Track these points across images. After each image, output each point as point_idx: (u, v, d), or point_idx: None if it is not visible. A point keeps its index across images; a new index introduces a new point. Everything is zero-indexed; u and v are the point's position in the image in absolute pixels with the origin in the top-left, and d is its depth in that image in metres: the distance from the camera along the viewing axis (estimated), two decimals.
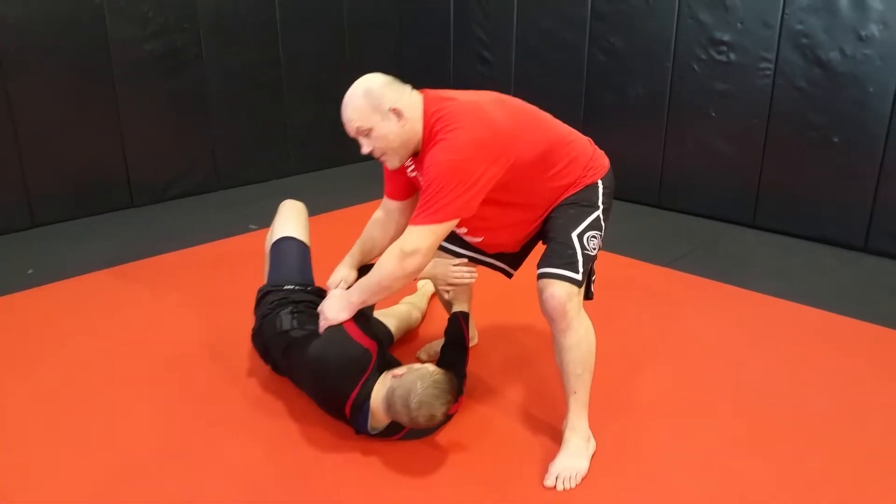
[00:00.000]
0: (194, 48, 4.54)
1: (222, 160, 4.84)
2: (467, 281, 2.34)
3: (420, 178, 2.03)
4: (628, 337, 2.82)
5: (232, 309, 3.03)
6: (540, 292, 2.02)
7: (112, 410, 2.36)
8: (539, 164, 2.05)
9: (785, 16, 3.72)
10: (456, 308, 2.50)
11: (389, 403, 2.00)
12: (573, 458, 2.04)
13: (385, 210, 2.31)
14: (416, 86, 2.05)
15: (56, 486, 1.99)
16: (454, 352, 2.40)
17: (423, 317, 2.93)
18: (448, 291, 2.46)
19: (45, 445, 2.16)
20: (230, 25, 4.67)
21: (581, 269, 2.01)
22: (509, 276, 2.47)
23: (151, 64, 4.38)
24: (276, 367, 2.51)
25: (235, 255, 3.72)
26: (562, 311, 1.97)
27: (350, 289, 2.17)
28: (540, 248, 2.18)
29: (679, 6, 4.07)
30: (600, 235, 2.12)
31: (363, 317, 2.18)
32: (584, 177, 2.14)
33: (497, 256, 2.40)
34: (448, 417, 2.16)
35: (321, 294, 2.49)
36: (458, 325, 2.45)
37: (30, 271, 3.48)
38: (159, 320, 2.99)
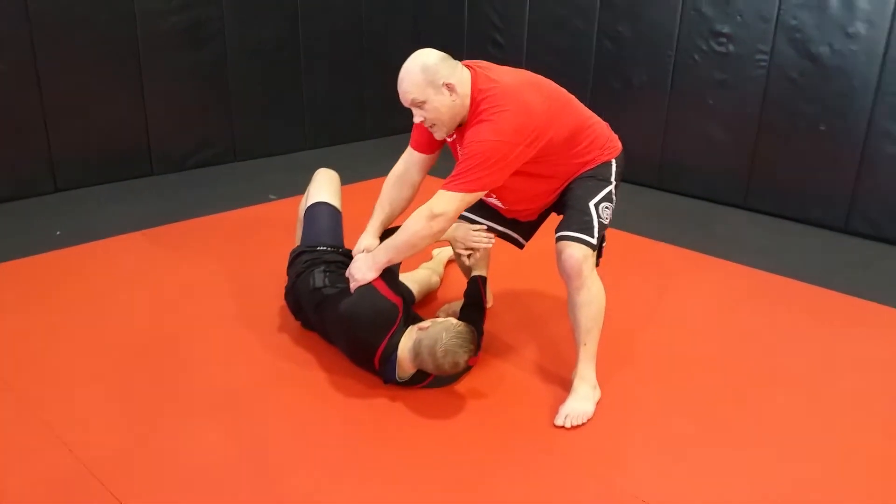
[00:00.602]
0: (217, 22, 4.69)
1: (240, 133, 5.00)
2: (485, 245, 2.54)
3: (459, 149, 2.26)
4: (630, 302, 3.09)
5: (260, 271, 3.24)
6: (558, 253, 2.27)
7: (164, 359, 2.58)
8: (567, 143, 2.28)
9: (780, 11, 3.96)
10: (475, 273, 2.71)
11: (416, 353, 2.22)
12: (581, 402, 2.30)
13: (405, 164, 2.48)
14: None
15: (108, 430, 2.20)
16: (473, 311, 2.61)
17: (441, 281, 3.18)
18: (468, 257, 2.64)
19: (91, 398, 2.34)
20: (252, 2, 4.81)
21: (596, 234, 2.27)
22: (521, 246, 2.70)
23: (176, 36, 4.53)
24: (307, 323, 2.70)
25: (259, 222, 3.92)
26: (577, 270, 2.23)
27: (376, 250, 2.37)
28: (549, 226, 2.43)
29: None
30: (612, 207, 2.37)
31: (391, 274, 2.38)
32: (601, 155, 2.38)
33: (512, 225, 2.62)
34: (468, 367, 2.42)
35: (351, 256, 2.75)
36: (476, 288, 2.67)
37: (58, 233, 3.63)
38: (192, 280, 3.17)
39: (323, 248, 2.72)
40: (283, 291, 2.80)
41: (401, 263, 2.45)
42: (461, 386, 2.44)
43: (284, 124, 5.25)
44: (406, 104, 2.24)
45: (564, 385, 2.42)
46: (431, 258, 3.27)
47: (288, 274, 2.76)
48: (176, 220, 3.87)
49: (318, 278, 2.56)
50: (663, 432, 2.25)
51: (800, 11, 3.90)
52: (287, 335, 2.74)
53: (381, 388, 2.40)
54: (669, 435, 2.24)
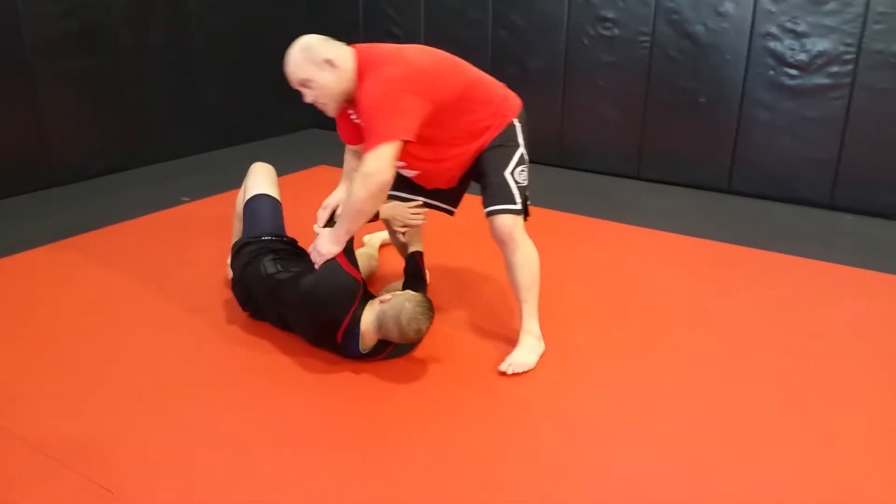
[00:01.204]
0: (109, 26, 4.59)
1: (140, 137, 4.92)
2: (420, 221, 2.73)
3: (360, 120, 2.39)
4: (546, 267, 3.35)
5: (191, 270, 3.25)
6: (491, 225, 2.49)
7: (110, 358, 2.60)
8: (459, 102, 2.41)
9: None
10: (412, 249, 2.88)
11: (381, 324, 2.37)
12: (525, 353, 2.52)
13: (352, 154, 2.68)
14: None
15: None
16: (415, 285, 2.77)
17: (378, 264, 3.33)
18: (403, 234, 2.80)
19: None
20: (145, 3, 4.75)
21: (518, 200, 2.48)
22: (451, 213, 2.85)
23: (66, 42, 4.39)
24: (257, 312, 2.77)
25: (178, 224, 3.88)
26: (510, 236, 2.46)
27: (334, 227, 2.47)
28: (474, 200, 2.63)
29: None
30: (526, 167, 2.55)
31: (350, 252, 2.51)
32: (499, 115, 2.52)
33: (436, 195, 2.77)
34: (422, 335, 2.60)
35: (294, 244, 2.85)
36: (415, 262, 2.84)
37: None
38: (121, 286, 3.11)
39: (268, 238, 2.79)
40: (221, 286, 2.85)
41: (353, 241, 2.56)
42: (418, 353, 2.60)
43: (183, 126, 5.19)
44: (295, 87, 2.40)
45: (507, 342, 2.64)
46: (363, 244, 3.40)
47: (232, 267, 2.82)
48: (87, 230, 3.74)
49: (269, 266, 2.64)
50: (608, 374, 2.51)
51: None
52: (237, 325, 2.79)
53: (343, 363, 2.51)
54: (614, 376, 2.50)
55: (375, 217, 2.60)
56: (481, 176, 2.57)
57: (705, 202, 4.36)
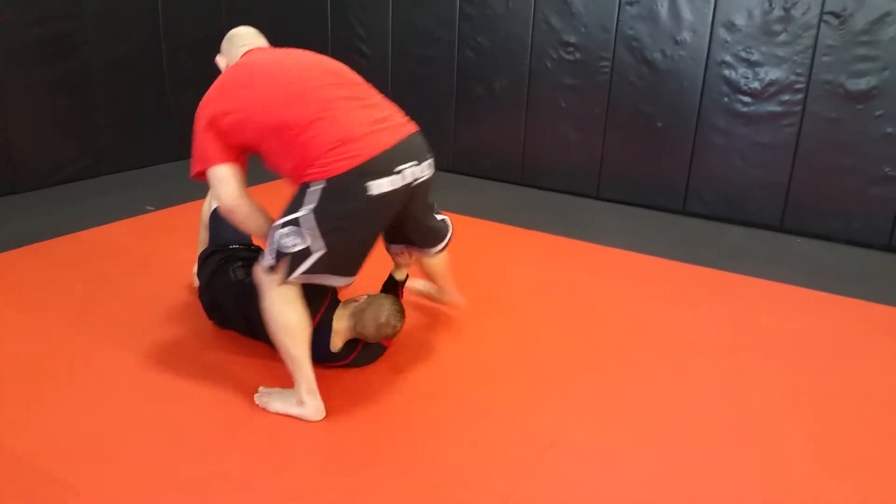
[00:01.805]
0: (78, 35, 4.62)
1: (107, 146, 4.93)
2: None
3: None
4: (507, 282, 3.46)
5: (156, 278, 3.27)
6: None
7: (79, 365, 2.63)
8: (274, 132, 2.19)
9: (619, 22, 4.51)
10: (397, 276, 2.86)
11: (357, 321, 2.44)
12: (280, 399, 2.34)
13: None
14: None
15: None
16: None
17: None
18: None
19: None
20: (113, 13, 4.79)
21: (270, 259, 2.19)
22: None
23: (35, 49, 4.41)
24: (224, 321, 2.79)
25: (142, 233, 3.90)
26: (259, 285, 2.27)
27: None
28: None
29: (534, 12, 4.76)
30: (302, 234, 2.14)
31: None
32: (306, 168, 2.14)
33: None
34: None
35: (261, 252, 2.89)
36: (394, 287, 2.84)
37: None
38: (84, 294, 3.13)
39: (235, 247, 2.84)
40: (186, 295, 2.87)
41: None
42: (384, 361, 2.66)
43: (150, 136, 5.21)
44: None
45: (473, 351, 2.74)
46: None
47: (199, 275, 2.85)
48: (52, 237, 3.74)
49: (238, 272, 2.68)
50: (566, 386, 2.59)
51: (635, 22, 4.46)
52: (204, 334, 2.82)
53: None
54: (571, 388, 2.59)
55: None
56: None
57: (661, 222, 4.49)
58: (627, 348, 2.87)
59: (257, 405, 2.35)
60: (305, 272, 2.18)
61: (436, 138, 5.28)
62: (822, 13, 3.97)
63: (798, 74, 4.10)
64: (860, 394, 2.59)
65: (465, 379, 2.60)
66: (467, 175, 5.29)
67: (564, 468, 2.13)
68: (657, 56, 4.45)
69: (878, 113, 3.96)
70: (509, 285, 3.41)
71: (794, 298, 3.39)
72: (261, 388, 2.40)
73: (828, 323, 3.16)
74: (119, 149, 5.03)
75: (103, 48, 4.79)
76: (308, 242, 2.14)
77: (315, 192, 2.12)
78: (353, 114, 2.17)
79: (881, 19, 3.85)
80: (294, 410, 2.30)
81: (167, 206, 4.31)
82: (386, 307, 2.46)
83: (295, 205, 2.16)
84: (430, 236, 2.64)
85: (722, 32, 4.25)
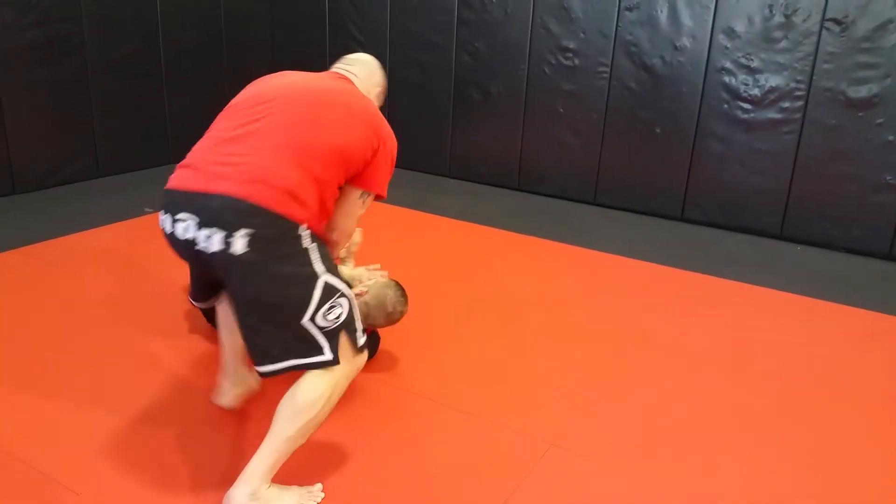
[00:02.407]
0: (76, 37, 4.62)
1: (104, 148, 4.93)
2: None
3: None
4: (505, 288, 3.42)
5: (154, 281, 3.26)
6: None
7: (77, 365, 2.61)
8: None
9: (618, 28, 4.49)
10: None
11: (365, 314, 2.48)
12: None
13: None
14: None
15: None
16: None
17: None
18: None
19: None
20: (111, 16, 4.79)
21: None
22: None
23: (34, 51, 4.42)
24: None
25: (141, 234, 3.91)
26: None
27: None
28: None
29: (532, 17, 4.74)
30: None
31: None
32: None
33: None
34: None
35: None
36: None
37: None
38: (80, 294, 3.13)
39: None
40: (183, 295, 2.86)
41: None
42: (376, 368, 2.62)
43: (148, 138, 5.21)
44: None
45: (464, 353, 2.69)
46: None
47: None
48: (49, 238, 3.74)
49: None
50: (563, 391, 2.56)
51: (634, 28, 4.44)
52: (199, 334, 2.82)
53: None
54: (569, 393, 2.55)
55: None
56: None
57: (659, 229, 4.45)
58: (624, 354, 2.83)
59: (251, 406, 2.32)
60: None
61: (432, 143, 5.33)
62: (823, 20, 3.94)
63: (798, 81, 4.07)
64: (860, 402, 2.55)
65: (462, 383, 2.57)
66: (464, 180, 5.26)
67: (562, 472, 2.10)
68: (656, 62, 4.42)
69: (879, 121, 3.92)
70: (506, 291, 3.38)
71: (793, 306, 3.35)
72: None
73: (827, 332, 3.12)
74: (117, 151, 5.02)
75: (102, 50, 4.79)
76: None
77: None
78: (205, 143, 1.93)
79: (883, 26, 3.81)
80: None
81: None
82: (389, 296, 2.53)
83: None
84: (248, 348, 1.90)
85: (722, 39, 4.22)
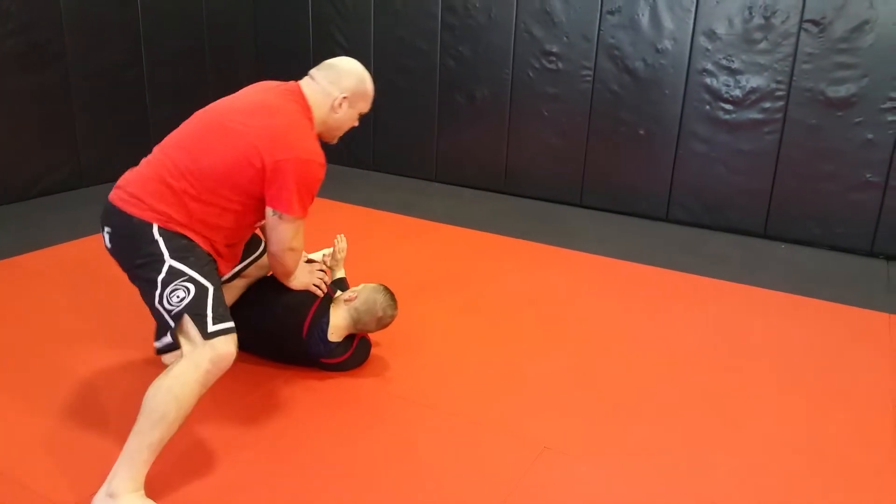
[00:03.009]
0: (57, 44, 4.57)
1: (87, 157, 4.88)
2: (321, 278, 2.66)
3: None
4: (493, 289, 3.44)
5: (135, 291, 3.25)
6: None
7: (74, 376, 2.59)
8: None
9: (600, 31, 4.53)
10: (337, 276, 2.94)
11: (357, 320, 2.52)
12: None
13: None
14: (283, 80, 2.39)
15: None
16: (342, 284, 2.91)
17: None
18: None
19: None
20: (93, 24, 4.75)
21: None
22: None
23: (13, 60, 4.37)
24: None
25: None
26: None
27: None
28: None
29: (516, 22, 4.77)
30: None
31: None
32: None
33: None
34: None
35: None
36: (345, 286, 2.90)
37: None
38: (63, 304, 3.11)
39: None
40: None
41: None
42: (367, 373, 2.64)
43: (130, 148, 5.11)
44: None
45: (463, 355, 2.71)
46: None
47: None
48: (32, 249, 3.70)
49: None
50: (552, 392, 2.58)
51: (616, 31, 4.48)
52: None
53: (297, 377, 2.55)
54: (557, 394, 2.57)
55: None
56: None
57: (644, 229, 4.49)
58: (613, 355, 2.85)
59: (249, 413, 2.32)
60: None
61: (418, 148, 5.35)
62: (801, 21, 4.00)
63: (779, 82, 4.13)
64: (845, 397, 2.59)
65: (454, 386, 2.58)
66: (450, 184, 5.28)
67: (557, 474, 2.11)
68: (638, 65, 4.46)
69: (857, 119, 3.98)
70: (494, 294, 3.39)
71: (778, 304, 3.39)
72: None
73: (812, 328, 3.16)
74: (98, 161, 4.95)
75: (83, 59, 4.74)
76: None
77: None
78: (144, 161, 2.27)
79: (859, 27, 3.88)
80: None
81: None
82: (379, 301, 2.54)
83: None
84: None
85: (703, 41, 4.27)
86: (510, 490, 2.04)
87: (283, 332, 2.55)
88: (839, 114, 4.02)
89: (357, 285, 2.67)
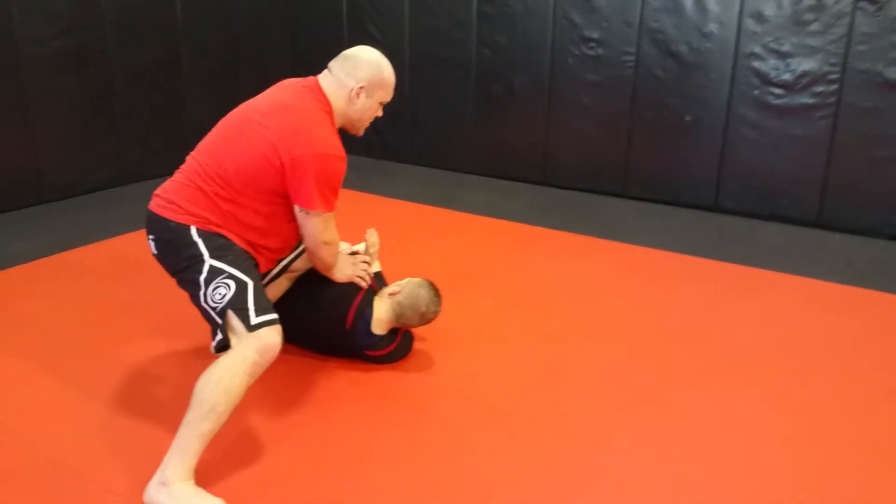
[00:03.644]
0: (100, 44, 4.62)
1: (130, 155, 4.92)
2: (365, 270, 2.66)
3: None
4: (535, 283, 3.35)
5: None
6: None
7: (120, 372, 2.59)
8: None
9: (643, 15, 4.39)
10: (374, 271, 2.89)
11: (399, 314, 2.50)
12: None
13: None
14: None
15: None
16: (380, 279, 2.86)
17: None
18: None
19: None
20: (133, 24, 4.78)
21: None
22: None
23: (59, 60, 4.43)
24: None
25: None
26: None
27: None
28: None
29: (554, 8, 4.66)
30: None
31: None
32: None
33: None
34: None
35: None
36: (383, 282, 2.84)
37: None
38: (108, 300, 3.13)
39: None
40: None
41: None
42: (409, 366, 2.59)
43: (173, 144, 5.17)
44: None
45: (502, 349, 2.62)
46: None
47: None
48: (78, 246, 3.75)
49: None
50: (599, 387, 2.48)
51: (659, 15, 4.33)
52: None
53: (335, 370, 2.53)
54: (604, 388, 2.47)
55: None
56: None
57: (692, 219, 4.34)
58: (660, 351, 2.74)
59: (294, 404, 2.27)
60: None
61: (455, 140, 5.26)
62: (855, 1, 3.82)
63: (832, 65, 3.94)
64: None
65: (496, 381, 2.51)
66: (488, 176, 5.19)
67: (603, 473, 2.03)
68: (683, 48, 4.31)
69: None
70: (536, 287, 3.30)
71: (835, 296, 3.24)
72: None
73: (871, 321, 3.00)
74: (142, 157, 5.01)
75: (124, 58, 4.78)
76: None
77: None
78: (177, 171, 2.31)
79: None
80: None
81: None
82: (423, 296, 2.51)
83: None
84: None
85: (750, 23, 4.11)
86: (553, 488, 1.96)
87: (327, 324, 2.55)
88: None
89: (397, 280, 2.63)
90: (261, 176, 2.14)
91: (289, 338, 2.63)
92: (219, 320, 2.01)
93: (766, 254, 3.75)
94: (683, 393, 2.45)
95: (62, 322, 2.93)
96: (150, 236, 2.21)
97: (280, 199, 2.20)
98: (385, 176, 5.23)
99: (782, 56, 4.06)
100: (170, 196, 2.18)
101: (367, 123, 2.40)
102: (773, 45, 4.07)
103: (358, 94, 2.28)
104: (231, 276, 2.04)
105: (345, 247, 2.75)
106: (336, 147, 2.20)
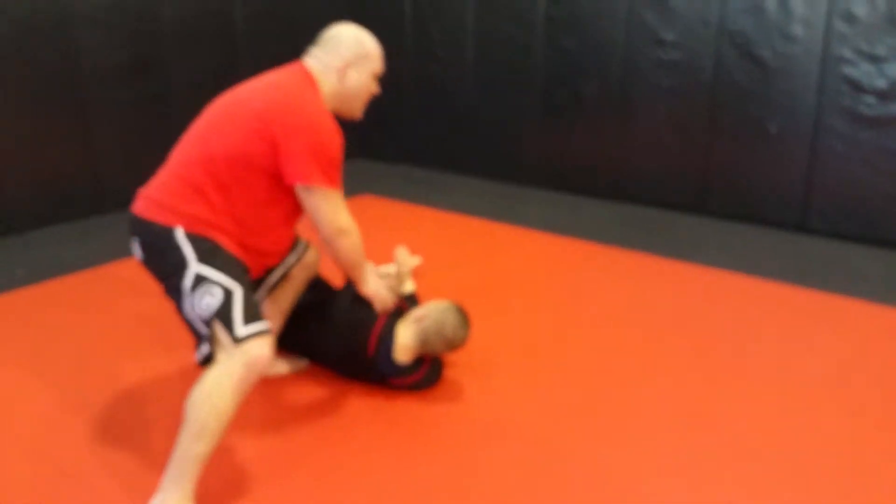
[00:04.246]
0: (160, 55, 4.65)
1: None
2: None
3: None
4: (602, 306, 3.13)
5: None
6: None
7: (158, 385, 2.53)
8: None
9: (722, 17, 4.09)
10: (407, 292, 2.82)
11: (424, 341, 2.37)
12: None
13: None
14: None
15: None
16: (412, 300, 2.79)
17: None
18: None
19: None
20: (193, 34, 4.80)
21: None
22: None
23: (119, 71, 4.49)
24: (283, 338, 2.66)
25: None
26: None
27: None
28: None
29: (626, 9, 4.41)
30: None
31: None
32: None
33: None
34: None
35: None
36: (416, 303, 2.77)
37: (18, 272, 3.56)
38: (164, 308, 3.10)
39: None
40: None
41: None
42: (444, 393, 2.43)
43: None
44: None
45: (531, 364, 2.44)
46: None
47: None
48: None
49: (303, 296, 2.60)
50: (669, 417, 2.27)
51: (739, 16, 4.04)
52: None
53: (350, 392, 2.45)
54: (678, 420, 2.26)
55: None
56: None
57: (775, 240, 4.04)
58: (726, 387, 2.49)
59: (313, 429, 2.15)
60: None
61: (517, 150, 5.06)
62: None
63: None
64: None
65: (532, 412, 2.37)
66: (553, 190, 4.99)
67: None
68: (766, 53, 4.00)
69: None
70: (594, 310, 3.09)
71: None
72: None
73: None
74: None
75: (184, 68, 4.81)
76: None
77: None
78: (160, 169, 2.19)
79: None
80: None
81: None
82: (449, 322, 2.39)
83: None
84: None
85: (840, 25, 3.77)
86: None
87: (349, 351, 2.47)
88: None
89: (430, 300, 2.52)
90: (252, 154, 2.02)
91: (312, 360, 2.64)
92: (204, 331, 1.93)
93: (857, 280, 3.43)
94: (744, 436, 2.20)
95: (115, 328, 2.96)
96: (134, 240, 2.08)
97: (274, 182, 2.07)
98: (442, 186, 5.11)
99: (876, 60, 3.71)
100: (153, 195, 2.06)
101: (364, 102, 2.30)
102: (865, 49, 3.73)
103: (346, 73, 2.20)
104: (217, 283, 1.93)
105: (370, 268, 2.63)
106: (329, 119, 2.10)
